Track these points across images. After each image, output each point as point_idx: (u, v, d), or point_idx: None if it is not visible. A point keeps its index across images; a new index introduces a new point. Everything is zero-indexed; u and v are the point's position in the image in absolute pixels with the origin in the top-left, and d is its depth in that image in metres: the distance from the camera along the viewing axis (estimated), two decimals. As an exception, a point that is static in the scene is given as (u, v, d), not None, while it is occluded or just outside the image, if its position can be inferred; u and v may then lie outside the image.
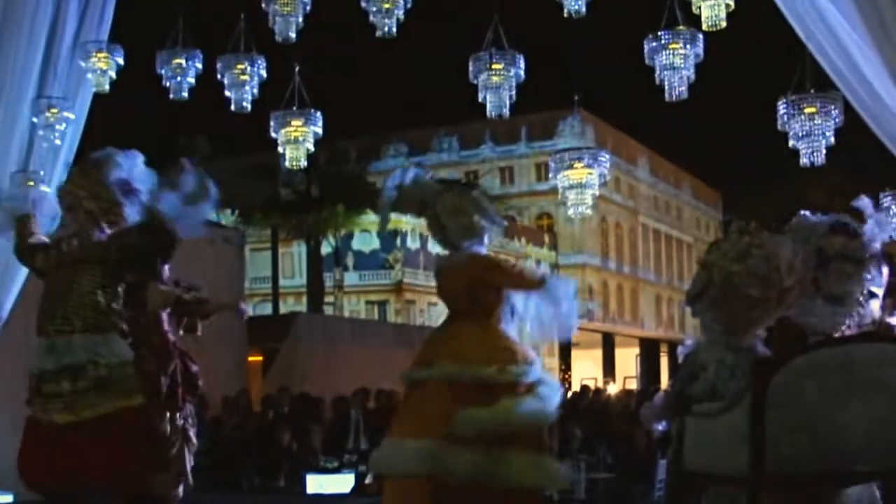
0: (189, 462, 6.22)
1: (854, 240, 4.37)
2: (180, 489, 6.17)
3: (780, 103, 6.59)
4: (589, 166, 7.87)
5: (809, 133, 6.53)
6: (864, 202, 4.50)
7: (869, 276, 4.37)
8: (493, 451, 4.66)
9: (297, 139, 8.31)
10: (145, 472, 4.89)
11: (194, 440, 6.29)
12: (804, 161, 6.63)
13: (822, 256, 4.31)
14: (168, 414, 6.10)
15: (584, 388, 20.18)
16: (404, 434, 4.75)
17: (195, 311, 6.39)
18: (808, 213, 4.49)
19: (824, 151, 6.60)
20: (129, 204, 5.03)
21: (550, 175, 8.17)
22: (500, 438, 4.68)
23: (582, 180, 7.84)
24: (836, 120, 6.56)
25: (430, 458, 4.61)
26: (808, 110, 6.52)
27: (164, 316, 6.22)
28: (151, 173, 5.14)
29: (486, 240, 5.11)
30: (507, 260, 5.28)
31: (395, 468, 4.75)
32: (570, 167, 7.87)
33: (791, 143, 6.63)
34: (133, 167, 5.11)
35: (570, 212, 8.06)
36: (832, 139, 6.62)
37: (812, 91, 6.53)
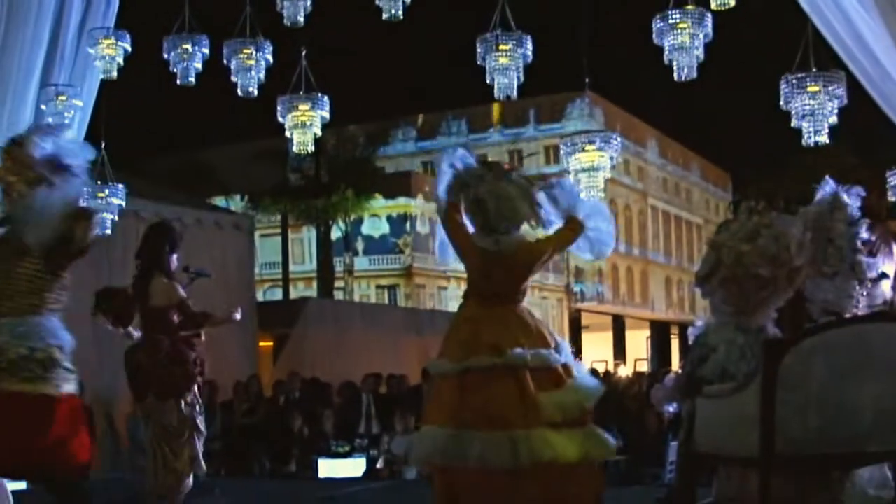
0: (199, 449, 6.25)
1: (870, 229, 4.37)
2: (191, 478, 6.19)
3: (781, 82, 6.52)
4: (600, 149, 7.80)
5: (812, 112, 6.46)
6: (831, 184, 4.46)
7: (879, 262, 4.36)
8: (588, 429, 4.72)
9: (305, 124, 8.27)
10: (32, 456, 4.76)
11: (202, 428, 6.31)
12: (807, 141, 6.56)
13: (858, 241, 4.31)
14: (174, 403, 6.13)
15: (595, 370, 20.14)
16: (499, 425, 4.56)
17: (202, 325, 6.42)
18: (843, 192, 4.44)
19: (827, 130, 6.52)
20: (61, 180, 4.92)
21: (561, 158, 8.10)
22: (579, 417, 4.72)
23: (594, 163, 7.77)
24: (840, 99, 6.47)
25: (533, 444, 4.55)
26: (810, 89, 6.43)
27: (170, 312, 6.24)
28: (84, 146, 5.10)
29: (526, 224, 5.00)
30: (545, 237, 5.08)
31: (501, 461, 4.53)
32: (582, 150, 7.80)
33: (794, 122, 6.56)
34: (60, 142, 5.05)
35: (583, 195, 7.99)
36: (835, 118, 6.53)
37: (815, 70, 6.46)
